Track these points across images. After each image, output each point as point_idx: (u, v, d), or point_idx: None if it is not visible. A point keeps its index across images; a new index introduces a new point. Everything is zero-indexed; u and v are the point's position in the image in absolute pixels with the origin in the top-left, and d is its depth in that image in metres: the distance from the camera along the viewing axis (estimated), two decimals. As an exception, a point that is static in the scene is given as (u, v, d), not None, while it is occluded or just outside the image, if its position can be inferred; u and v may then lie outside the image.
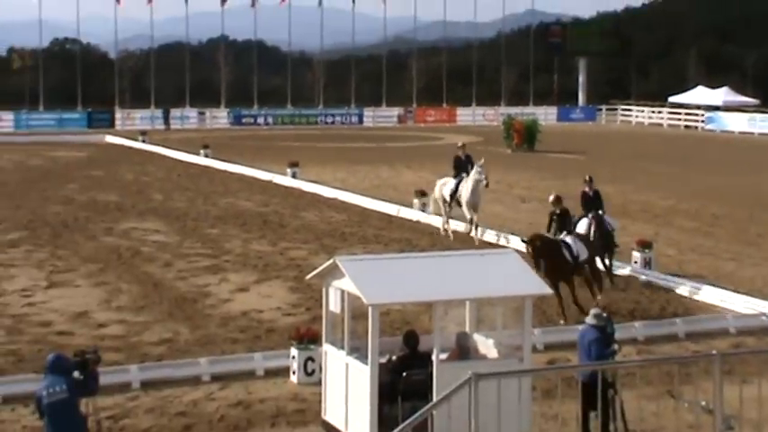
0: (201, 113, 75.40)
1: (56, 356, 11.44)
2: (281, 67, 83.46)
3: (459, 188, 26.94)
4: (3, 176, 42.53)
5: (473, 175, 26.44)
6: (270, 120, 76.39)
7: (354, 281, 11.94)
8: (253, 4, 77.83)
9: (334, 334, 12.95)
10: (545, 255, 18.90)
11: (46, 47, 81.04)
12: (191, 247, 26.32)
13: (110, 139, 61.29)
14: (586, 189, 23.02)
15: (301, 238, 27.58)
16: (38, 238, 27.66)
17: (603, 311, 13.01)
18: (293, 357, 15.66)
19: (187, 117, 74.36)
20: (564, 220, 20.44)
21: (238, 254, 25.40)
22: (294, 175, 40.18)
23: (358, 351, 12.29)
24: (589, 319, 12.80)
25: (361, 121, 77.94)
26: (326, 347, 13.08)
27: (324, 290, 13.08)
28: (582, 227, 21.63)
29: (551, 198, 21.18)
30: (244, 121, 75.58)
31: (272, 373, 15.83)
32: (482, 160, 27.09)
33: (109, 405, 13.81)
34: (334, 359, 12.78)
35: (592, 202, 22.71)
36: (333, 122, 77.09)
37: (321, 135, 67.01)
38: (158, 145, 55.17)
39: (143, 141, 57.56)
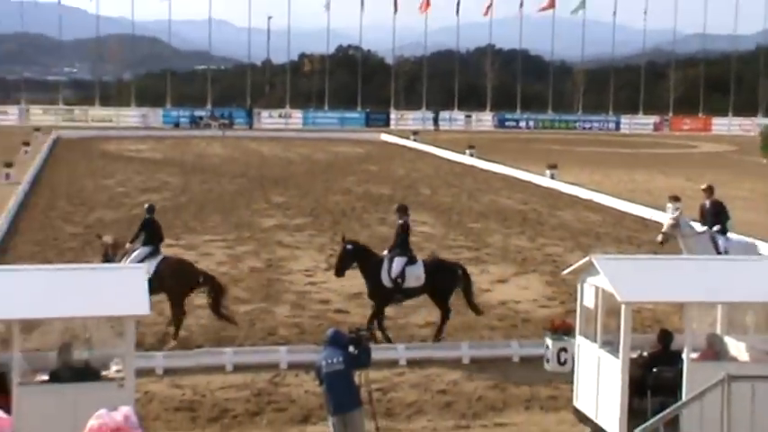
0: (468, 116, 76.09)
1: (334, 332, 11.83)
2: (544, 74, 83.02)
3: None
4: (292, 168, 44.44)
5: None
6: (531, 124, 76.22)
7: (609, 278, 11.75)
8: (521, 5, 77.91)
9: (587, 327, 12.79)
10: None
11: (332, 53, 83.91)
12: (454, 240, 26.65)
13: (385, 137, 62.82)
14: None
15: (558, 236, 27.38)
16: (320, 224, 28.72)
17: None
18: (547, 347, 15.56)
19: (455, 119, 75.17)
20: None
21: (498, 247, 25.52)
22: (552, 177, 39.89)
23: (610, 345, 12.09)
24: None
25: (617, 128, 76.40)
26: (580, 340, 12.94)
27: (578, 285, 12.94)
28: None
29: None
30: (507, 124, 75.70)
31: (527, 360, 15.80)
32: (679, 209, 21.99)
33: (379, 378, 14.13)
34: (587, 351, 12.63)
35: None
36: (590, 128, 76.00)
37: (579, 139, 66.14)
38: (428, 144, 56.05)
39: (414, 140, 58.64)
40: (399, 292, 16.74)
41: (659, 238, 19.69)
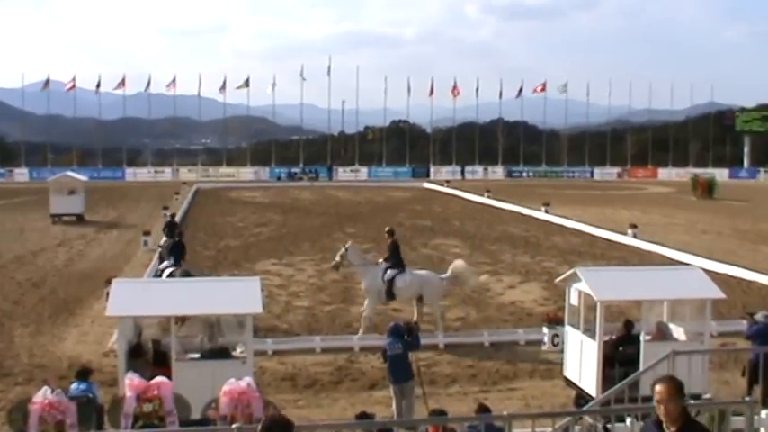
0: (485, 169, 75.30)
1: (394, 325, 11.92)
2: (538, 138, 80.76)
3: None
4: (360, 208, 44.47)
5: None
6: (530, 174, 74.63)
7: (588, 284, 11.67)
8: (521, 89, 76.99)
9: (572, 319, 12.70)
10: None
11: (388, 125, 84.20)
12: (477, 258, 26.21)
13: (426, 185, 62.57)
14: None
15: (551, 254, 26.92)
16: (381, 248, 27.80)
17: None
18: (545, 333, 15.51)
19: (476, 171, 74.35)
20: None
21: (509, 263, 25.27)
22: (546, 212, 38.80)
23: (589, 331, 12.01)
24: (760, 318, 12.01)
25: (592, 176, 73.34)
26: (567, 328, 12.85)
27: (566, 289, 12.87)
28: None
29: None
30: (513, 174, 74.35)
31: (531, 343, 15.74)
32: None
33: (424, 357, 14.16)
34: (573, 336, 12.52)
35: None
36: (572, 176, 73.04)
37: (565, 185, 64.56)
38: (457, 189, 55.56)
39: (447, 187, 58.20)
40: None
41: (332, 264, 17.32)
